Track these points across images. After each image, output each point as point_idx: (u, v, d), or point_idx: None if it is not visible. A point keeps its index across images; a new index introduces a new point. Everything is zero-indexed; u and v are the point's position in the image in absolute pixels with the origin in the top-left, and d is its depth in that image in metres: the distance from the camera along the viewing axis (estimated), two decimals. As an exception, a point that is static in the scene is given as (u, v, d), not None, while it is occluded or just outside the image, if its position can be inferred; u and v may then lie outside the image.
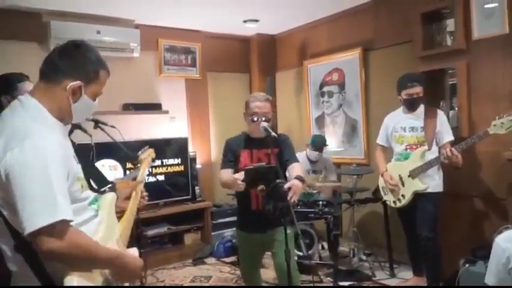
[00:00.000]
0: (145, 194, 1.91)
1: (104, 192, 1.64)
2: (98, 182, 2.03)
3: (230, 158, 2.55)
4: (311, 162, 4.19)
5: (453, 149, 2.90)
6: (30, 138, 1.23)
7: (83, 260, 1.27)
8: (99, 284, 1.32)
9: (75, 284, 1.23)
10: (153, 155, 2.16)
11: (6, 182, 1.21)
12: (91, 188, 1.59)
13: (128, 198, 1.78)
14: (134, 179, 2.00)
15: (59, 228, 1.20)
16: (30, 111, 1.32)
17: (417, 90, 3.14)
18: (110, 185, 2.02)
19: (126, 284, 1.50)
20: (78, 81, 1.37)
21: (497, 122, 2.74)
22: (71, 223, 1.25)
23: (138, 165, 2.07)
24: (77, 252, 1.23)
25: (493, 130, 2.76)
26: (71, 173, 1.33)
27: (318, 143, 4.12)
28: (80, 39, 1.48)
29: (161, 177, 4.51)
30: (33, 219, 1.17)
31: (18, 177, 1.19)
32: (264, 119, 2.47)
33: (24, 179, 1.19)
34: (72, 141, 1.53)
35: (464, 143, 2.90)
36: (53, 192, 1.21)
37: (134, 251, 1.61)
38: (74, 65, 1.38)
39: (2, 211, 1.26)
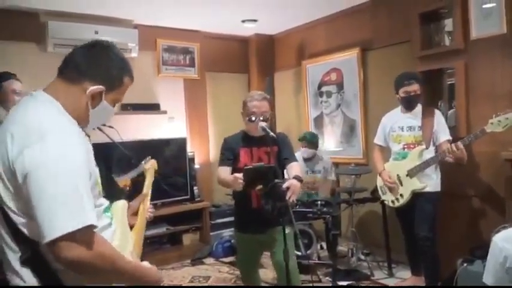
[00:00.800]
0: (149, 205, 1.84)
1: (114, 200, 1.54)
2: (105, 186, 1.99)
3: (229, 156, 2.52)
4: (304, 160, 4.13)
5: (459, 143, 2.85)
6: (52, 134, 1.09)
7: (108, 271, 1.14)
8: None
9: None
10: (156, 166, 2.13)
11: (24, 183, 1.07)
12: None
13: (136, 213, 1.71)
14: (137, 177, 1.98)
15: (86, 235, 1.07)
16: (48, 107, 1.18)
17: (415, 87, 3.14)
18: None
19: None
20: (100, 86, 1.25)
21: (494, 120, 2.73)
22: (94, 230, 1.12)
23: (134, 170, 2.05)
24: (103, 263, 1.11)
25: (490, 128, 2.74)
26: (93, 175, 1.22)
27: (309, 139, 4.11)
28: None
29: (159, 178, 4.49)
30: (56, 225, 1.03)
31: (39, 178, 1.05)
32: (261, 118, 2.43)
33: (46, 179, 1.05)
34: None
35: (462, 141, 2.88)
36: (79, 194, 1.08)
37: (147, 265, 1.50)
38: (97, 67, 1.26)
39: (13, 219, 1.12)
